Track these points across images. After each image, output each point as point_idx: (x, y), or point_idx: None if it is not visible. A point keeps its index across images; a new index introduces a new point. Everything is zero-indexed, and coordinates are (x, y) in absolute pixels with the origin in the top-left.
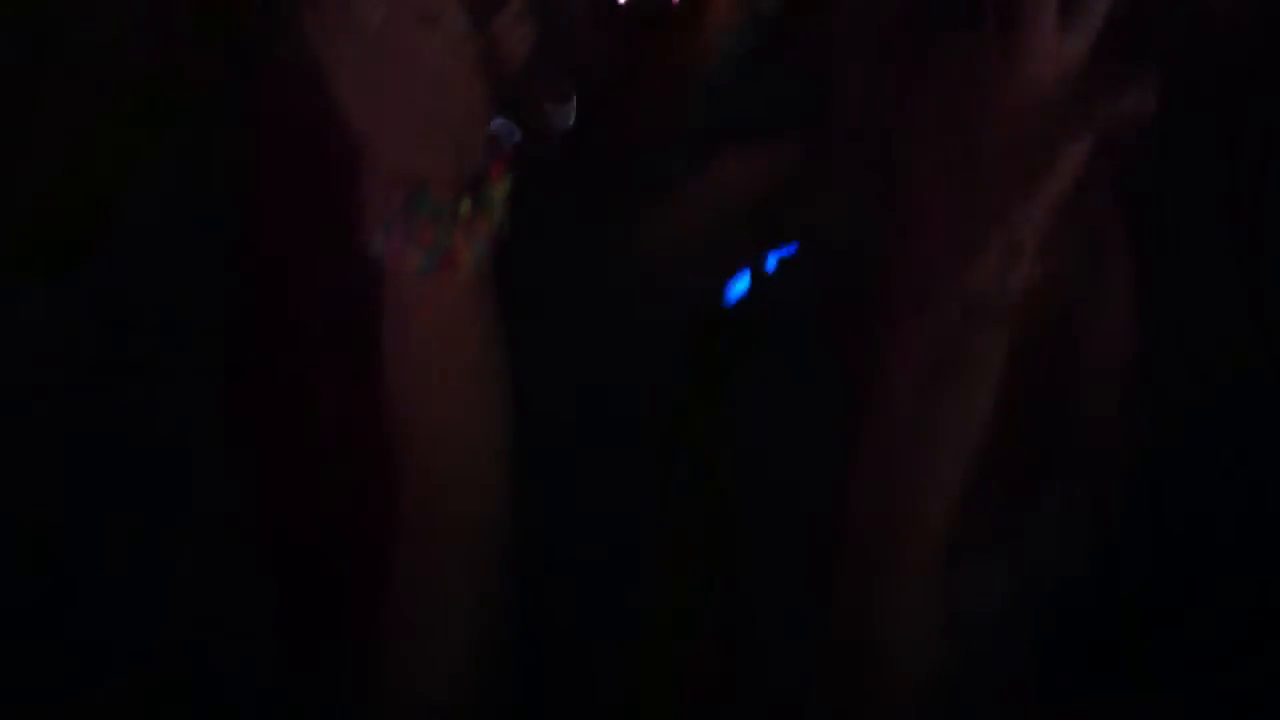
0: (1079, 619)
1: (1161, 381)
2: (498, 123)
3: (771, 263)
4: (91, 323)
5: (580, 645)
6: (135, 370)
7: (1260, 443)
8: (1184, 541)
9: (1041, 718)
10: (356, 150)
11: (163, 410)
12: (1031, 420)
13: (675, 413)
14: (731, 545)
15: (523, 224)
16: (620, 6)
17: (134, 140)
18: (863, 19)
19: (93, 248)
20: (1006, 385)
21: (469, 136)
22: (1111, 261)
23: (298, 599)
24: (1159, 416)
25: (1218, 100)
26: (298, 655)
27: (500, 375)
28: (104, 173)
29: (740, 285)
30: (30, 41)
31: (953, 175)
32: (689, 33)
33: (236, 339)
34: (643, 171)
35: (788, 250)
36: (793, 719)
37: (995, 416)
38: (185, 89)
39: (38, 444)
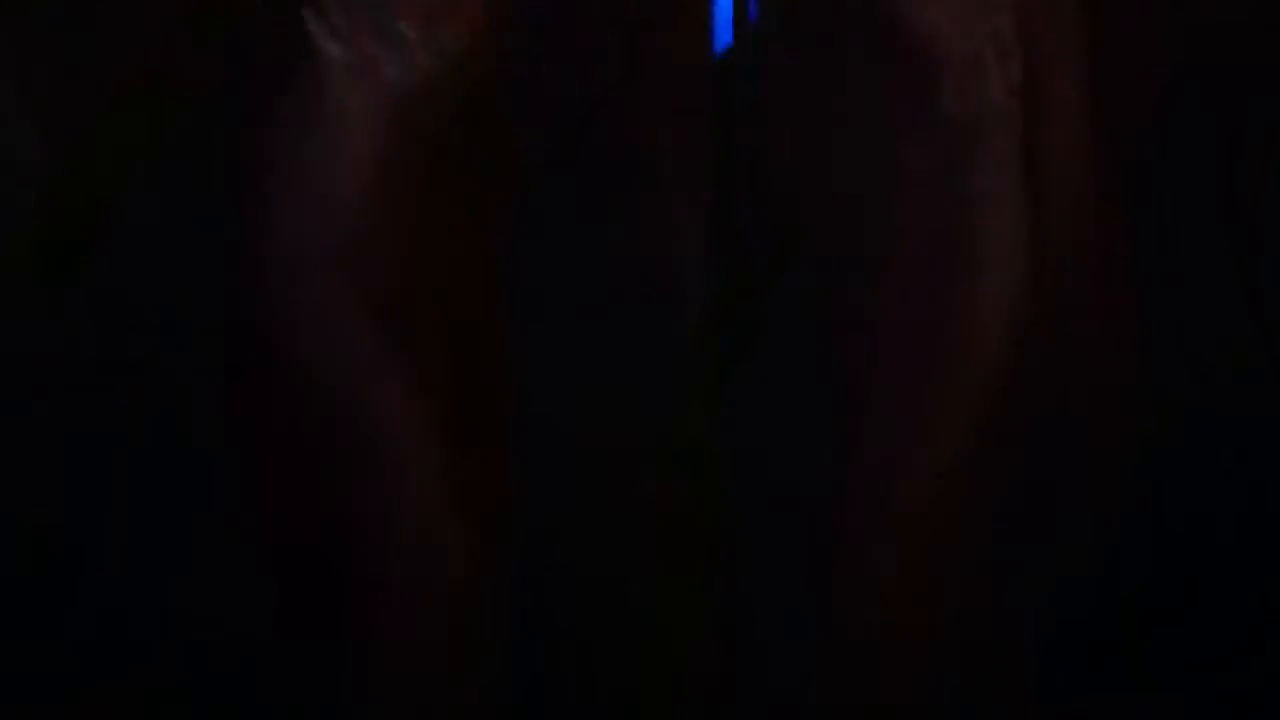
0: (1079, 619)
1: (1161, 381)
2: None
3: (753, 9)
4: (91, 323)
5: (580, 645)
6: (135, 370)
7: (1260, 443)
8: (1184, 541)
9: (1041, 718)
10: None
11: (163, 410)
12: (1032, 421)
13: (675, 413)
14: (731, 545)
15: (523, 224)
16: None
17: (134, 140)
18: None
19: (93, 248)
20: (1007, 385)
21: None
22: (1112, 261)
23: (298, 599)
24: (1159, 416)
25: (1218, 100)
26: (298, 655)
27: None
28: (104, 173)
29: (724, 34)
30: (31, 41)
31: None
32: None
33: (237, 339)
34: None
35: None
36: (793, 719)
37: (996, 418)
38: (185, 89)
39: (38, 444)
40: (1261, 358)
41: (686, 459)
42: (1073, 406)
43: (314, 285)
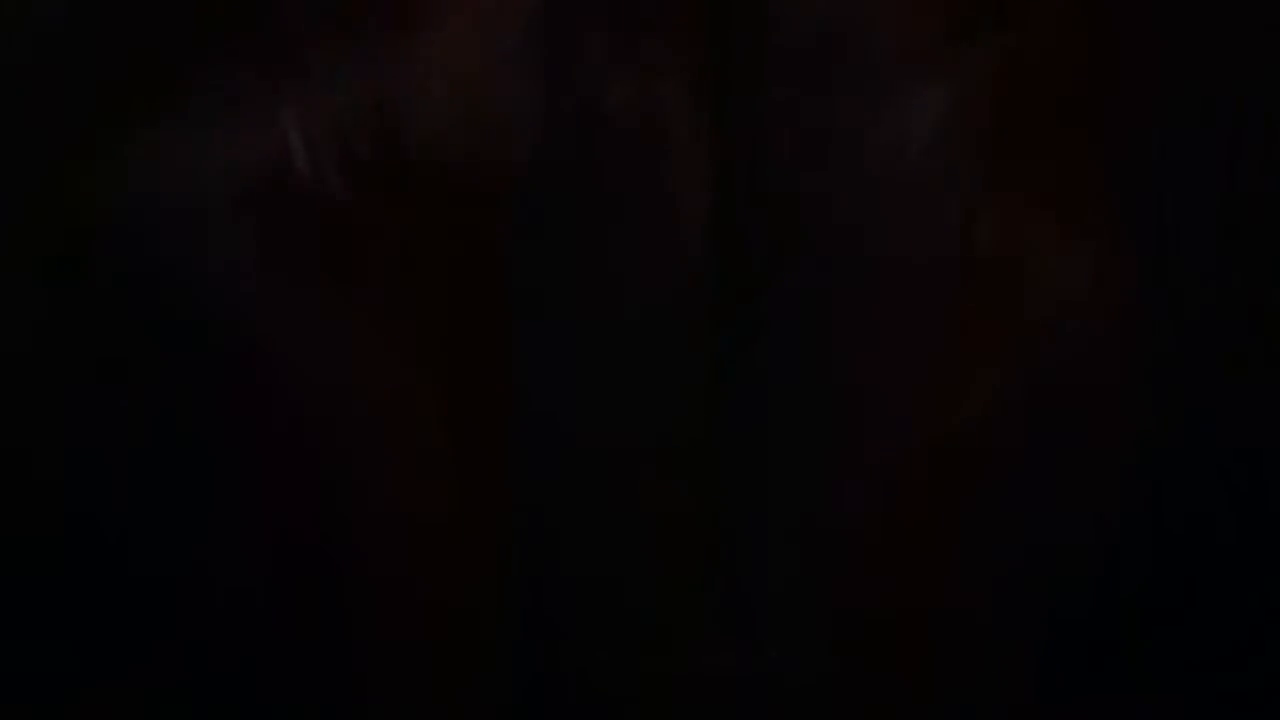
0: (1079, 619)
1: (1161, 381)
2: None
3: None
4: (91, 323)
5: (580, 645)
6: (136, 370)
7: (1260, 443)
8: (1184, 541)
9: (1041, 718)
10: None
11: (163, 410)
12: (1032, 420)
13: (676, 412)
14: (731, 545)
15: (523, 224)
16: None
17: (134, 139)
18: None
19: (92, 248)
20: (1007, 385)
21: None
22: (1111, 261)
23: (297, 599)
24: (1159, 416)
25: (1217, 99)
26: (298, 655)
27: None
28: (104, 172)
29: None
30: (29, 41)
31: None
32: None
33: (236, 338)
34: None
35: None
36: (793, 718)
37: (996, 418)
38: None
39: (37, 444)
40: (1261, 357)
41: (686, 459)
42: (1073, 406)
43: (310, 288)
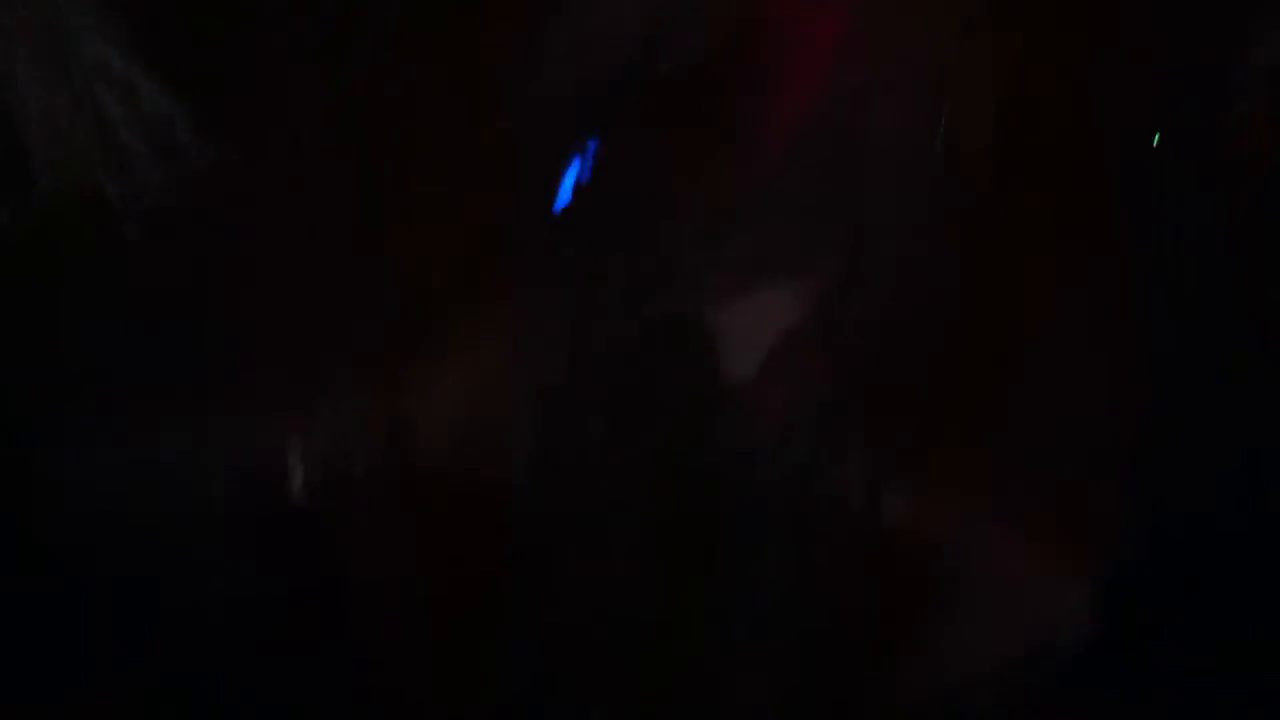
0: (1079, 619)
1: (1161, 381)
2: None
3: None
4: (89, 323)
5: (580, 645)
6: (134, 370)
7: (1260, 443)
8: (1184, 541)
9: (1042, 718)
10: None
11: (163, 410)
12: (1032, 419)
13: (676, 412)
14: (731, 545)
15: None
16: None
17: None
18: None
19: (91, 248)
20: (1007, 386)
21: None
22: (1110, 260)
23: (297, 598)
24: (1158, 415)
25: (1216, 97)
26: (298, 655)
27: None
28: (103, 173)
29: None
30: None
31: None
32: None
33: (237, 335)
34: None
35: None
36: (791, 718)
37: (996, 417)
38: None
39: (37, 444)
40: (1261, 356)
41: (686, 459)
42: (1073, 406)
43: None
